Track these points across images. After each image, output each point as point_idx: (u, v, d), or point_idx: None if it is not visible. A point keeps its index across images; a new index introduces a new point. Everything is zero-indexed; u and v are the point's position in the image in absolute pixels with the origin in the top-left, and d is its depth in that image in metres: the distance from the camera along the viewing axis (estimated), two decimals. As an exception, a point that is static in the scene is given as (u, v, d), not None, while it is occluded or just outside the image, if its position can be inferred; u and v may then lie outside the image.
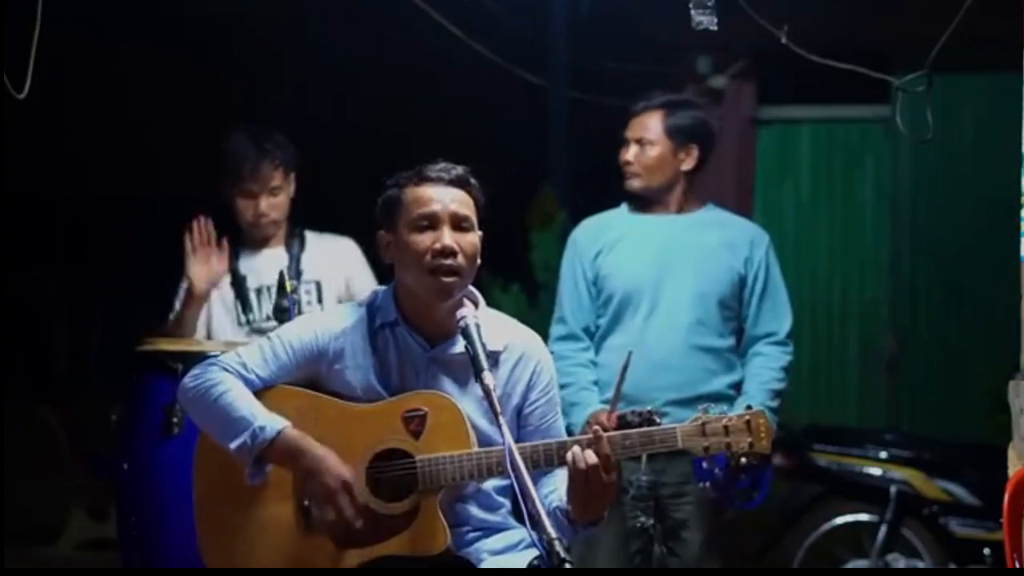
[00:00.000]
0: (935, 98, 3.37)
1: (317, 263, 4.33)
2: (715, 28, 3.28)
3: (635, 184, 4.18)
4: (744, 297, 4.17)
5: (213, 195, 4.34)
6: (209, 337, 4.22)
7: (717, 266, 4.15)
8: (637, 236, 4.19)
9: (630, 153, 4.16)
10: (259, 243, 4.33)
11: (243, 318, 4.25)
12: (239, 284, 4.27)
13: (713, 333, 4.12)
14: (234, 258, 4.30)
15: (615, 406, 3.83)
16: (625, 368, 3.81)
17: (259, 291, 4.28)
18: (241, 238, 4.34)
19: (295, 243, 4.35)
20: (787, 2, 3.44)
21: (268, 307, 3.81)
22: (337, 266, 4.33)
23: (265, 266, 4.29)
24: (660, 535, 4.05)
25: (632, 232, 4.20)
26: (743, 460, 3.88)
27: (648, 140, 4.14)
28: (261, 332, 4.00)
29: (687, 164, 4.18)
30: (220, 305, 4.25)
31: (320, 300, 4.30)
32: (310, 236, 4.39)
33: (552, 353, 3.22)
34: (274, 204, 4.27)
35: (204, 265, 4.16)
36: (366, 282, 4.28)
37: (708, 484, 3.91)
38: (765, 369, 4.11)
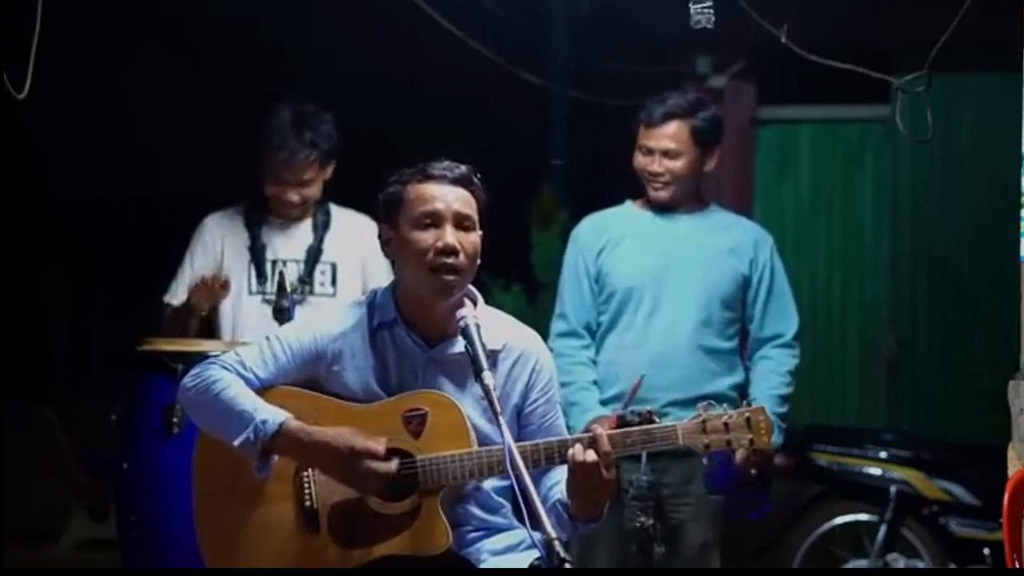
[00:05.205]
0: (935, 98, 3.36)
1: (337, 244, 4.28)
2: (711, 26, 3.28)
3: (664, 195, 4.14)
4: (749, 299, 4.16)
5: (213, 196, 4.33)
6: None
7: (721, 267, 4.14)
8: (641, 234, 4.18)
9: (657, 164, 4.11)
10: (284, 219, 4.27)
11: (256, 287, 4.21)
12: (257, 252, 4.23)
13: (716, 334, 4.12)
14: (256, 225, 4.26)
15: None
16: (635, 390, 3.85)
17: (275, 263, 4.23)
18: (267, 206, 4.27)
19: (320, 220, 4.29)
20: (787, 2, 3.44)
21: (284, 279, 3.76)
22: (355, 247, 4.26)
23: (287, 240, 4.25)
24: (660, 535, 4.05)
25: (636, 230, 4.19)
26: (753, 471, 3.94)
27: (676, 151, 4.09)
28: (270, 303, 3.97)
29: (710, 165, 4.18)
30: (234, 274, 4.19)
31: (334, 283, 4.26)
32: (335, 212, 4.33)
33: (552, 350, 3.22)
34: (303, 194, 4.21)
35: (207, 295, 4.10)
36: (381, 266, 4.18)
37: (723, 496, 3.94)
38: (772, 374, 4.11)
